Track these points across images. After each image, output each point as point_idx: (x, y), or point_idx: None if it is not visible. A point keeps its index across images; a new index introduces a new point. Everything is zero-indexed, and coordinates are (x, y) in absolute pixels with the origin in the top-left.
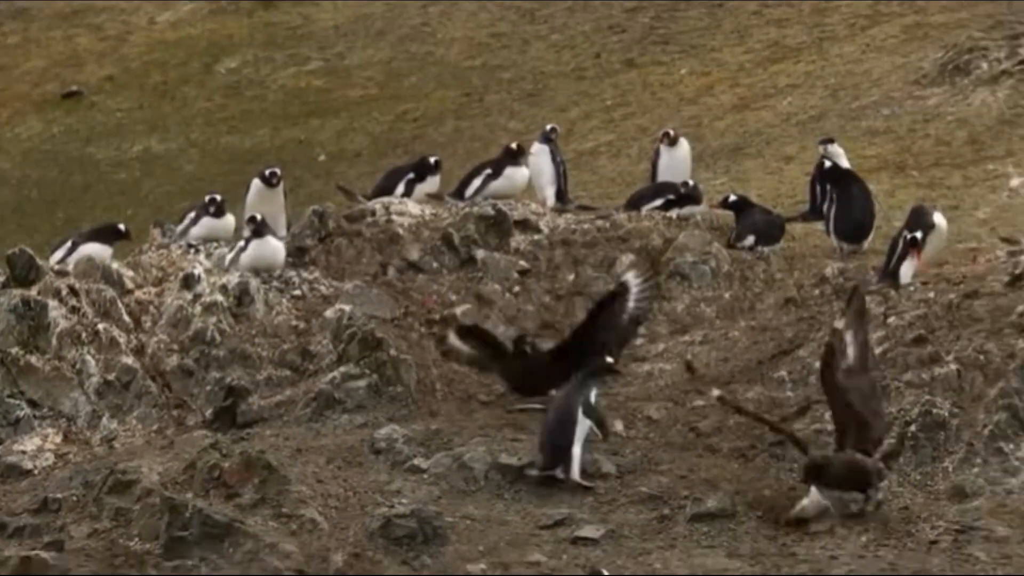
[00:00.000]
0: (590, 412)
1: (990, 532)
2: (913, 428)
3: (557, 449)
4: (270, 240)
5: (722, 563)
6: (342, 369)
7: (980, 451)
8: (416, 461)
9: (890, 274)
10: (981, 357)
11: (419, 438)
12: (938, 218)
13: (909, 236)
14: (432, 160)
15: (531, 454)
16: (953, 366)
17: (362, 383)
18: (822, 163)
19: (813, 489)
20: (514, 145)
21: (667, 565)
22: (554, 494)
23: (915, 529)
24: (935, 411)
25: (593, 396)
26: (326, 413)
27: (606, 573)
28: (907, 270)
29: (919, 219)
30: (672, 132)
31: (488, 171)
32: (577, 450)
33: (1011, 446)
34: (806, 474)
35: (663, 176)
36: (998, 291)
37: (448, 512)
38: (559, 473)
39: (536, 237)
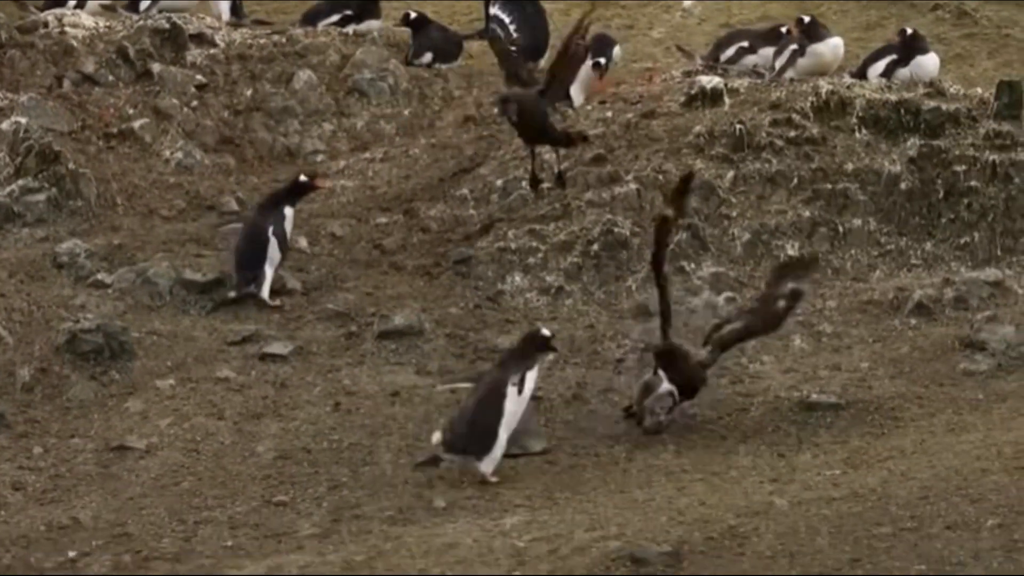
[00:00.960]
0: (278, 230)
1: None
2: (595, 247)
3: (250, 267)
4: None
5: (411, 379)
6: (20, 182)
7: None
8: (100, 276)
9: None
10: (660, 177)
11: (102, 253)
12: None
13: (593, 60)
14: None
15: (217, 271)
16: (633, 185)
17: (41, 197)
18: None
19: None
20: None
21: (356, 381)
22: (240, 310)
23: (601, 348)
24: (616, 230)
25: (289, 214)
26: (6, 227)
27: None
28: (577, 90)
29: (601, 45)
30: None
31: None
32: (269, 269)
33: (692, 265)
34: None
35: None
36: (675, 111)
37: (134, 327)
38: (253, 289)
39: (212, 51)
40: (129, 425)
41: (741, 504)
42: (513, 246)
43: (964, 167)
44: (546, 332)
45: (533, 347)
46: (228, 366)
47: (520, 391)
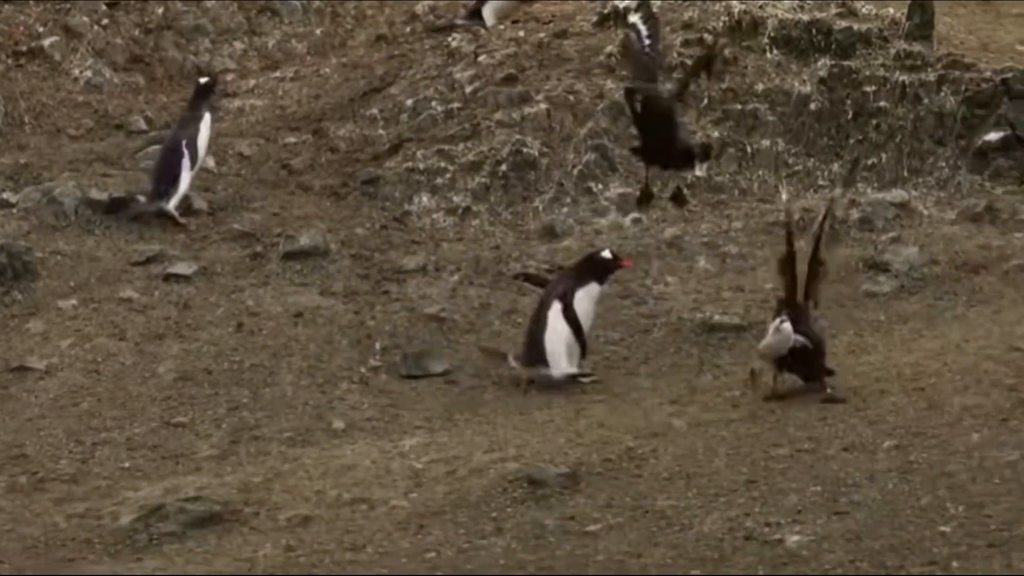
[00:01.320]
0: (193, 142)
1: None
2: (504, 167)
3: (163, 181)
4: None
5: (315, 300)
6: None
7: (570, 191)
8: (5, 195)
9: (475, 13)
10: (571, 97)
11: (7, 172)
12: None
13: None
14: None
15: (124, 191)
16: (543, 105)
17: None
18: None
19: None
20: None
21: (260, 302)
22: (145, 231)
23: (506, 268)
24: (525, 150)
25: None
26: None
27: None
28: (489, 11)
29: None
30: None
31: None
32: (183, 185)
33: (600, 186)
34: None
35: None
36: (587, 31)
37: (38, 247)
38: (163, 204)
39: None
40: (30, 346)
41: (640, 425)
42: (421, 166)
43: (874, 88)
44: (606, 254)
45: (589, 269)
46: (131, 286)
47: (565, 310)
